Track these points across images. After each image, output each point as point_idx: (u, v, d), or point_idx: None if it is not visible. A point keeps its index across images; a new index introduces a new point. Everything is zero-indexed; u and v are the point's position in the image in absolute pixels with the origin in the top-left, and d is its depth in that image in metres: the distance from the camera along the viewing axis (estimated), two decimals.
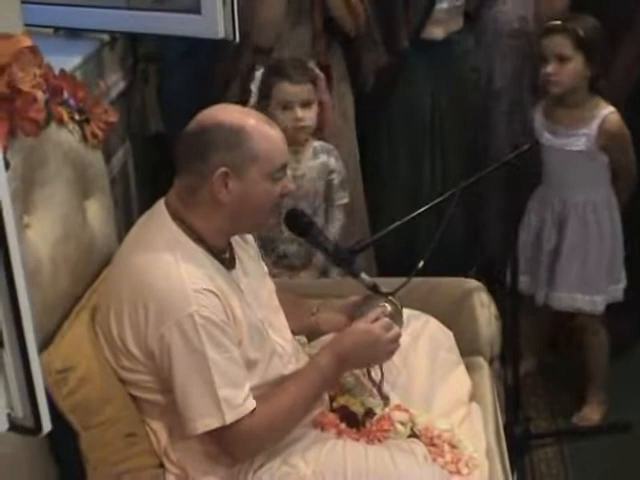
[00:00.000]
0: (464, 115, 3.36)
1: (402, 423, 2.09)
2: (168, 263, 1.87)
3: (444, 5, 3.20)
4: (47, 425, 1.31)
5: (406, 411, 2.12)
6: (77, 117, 2.16)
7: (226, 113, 1.96)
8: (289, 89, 2.72)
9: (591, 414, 3.09)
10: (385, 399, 2.14)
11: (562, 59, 2.82)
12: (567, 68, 2.83)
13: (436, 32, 3.23)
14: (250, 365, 1.93)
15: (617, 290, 3.00)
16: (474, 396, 2.32)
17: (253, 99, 2.80)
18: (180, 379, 1.84)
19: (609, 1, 2.95)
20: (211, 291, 1.86)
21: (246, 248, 2.12)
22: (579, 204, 2.94)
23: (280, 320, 2.12)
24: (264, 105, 2.72)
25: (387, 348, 2.04)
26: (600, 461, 2.90)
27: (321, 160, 2.86)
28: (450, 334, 2.38)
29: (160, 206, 1.98)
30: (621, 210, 2.98)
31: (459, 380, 2.30)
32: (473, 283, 2.56)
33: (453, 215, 2.35)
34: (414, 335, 2.29)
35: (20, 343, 1.29)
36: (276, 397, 1.93)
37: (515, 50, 3.34)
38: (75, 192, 2.13)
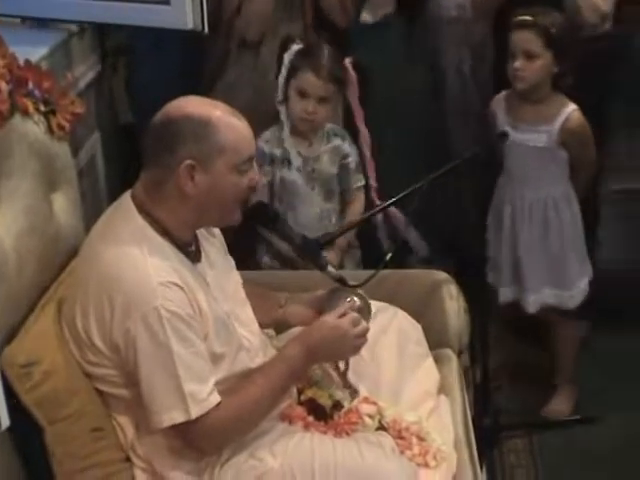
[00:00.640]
0: (409, 103, 3.34)
1: (370, 416, 2.09)
2: (134, 256, 1.86)
3: None
4: (5, 421, 1.30)
5: (374, 404, 2.13)
6: (43, 108, 2.14)
7: (193, 105, 1.94)
8: (312, 81, 2.70)
9: (560, 406, 3.11)
10: (353, 392, 2.14)
11: (530, 56, 2.79)
12: (535, 65, 2.80)
13: (367, 16, 3.20)
14: (216, 359, 1.92)
15: (585, 284, 3.01)
16: (442, 388, 2.33)
17: (284, 70, 2.76)
18: (145, 373, 1.83)
19: None
20: (177, 284, 1.85)
21: (212, 241, 2.11)
22: (540, 200, 2.94)
23: (247, 313, 2.11)
24: (287, 82, 2.72)
25: (354, 343, 2.04)
26: (568, 453, 2.92)
27: (334, 144, 2.86)
28: (418, 326, 2.38)
29: (126, 198, 1.97)
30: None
31: (427, 372, 2.30)
32: (442, 275, 2.55)
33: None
34: (382, 328, 2.28)
35: None
36: (243, 389, 1.93)
37: (454, 37, 3.30)
38: (41, 184, 2.11)
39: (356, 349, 2.06)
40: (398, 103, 3.27)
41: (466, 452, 2.17)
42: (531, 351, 3.34)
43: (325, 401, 2.11)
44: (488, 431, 2.68)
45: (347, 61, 2.83)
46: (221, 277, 2.05)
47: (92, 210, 2.79)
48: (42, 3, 2.76)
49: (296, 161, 2.80)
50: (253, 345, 2.06)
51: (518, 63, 2.81)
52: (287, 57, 2.76)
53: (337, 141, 2.86)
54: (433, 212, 3.00)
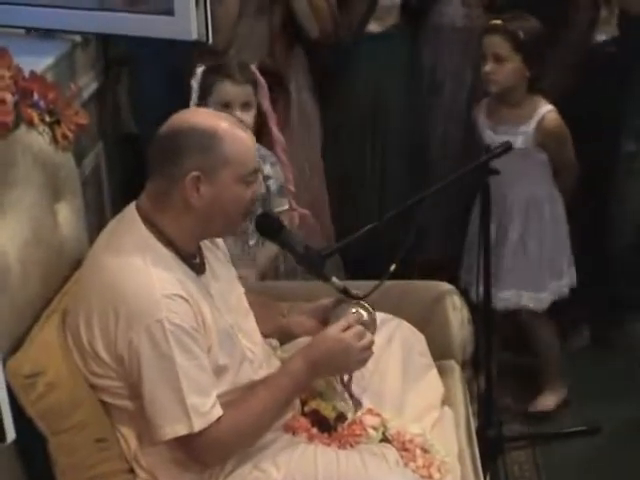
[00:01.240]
0: (407, 112, 3.36)
1: (374, 428, 2.08)
2: (138, 267, 1.86)
3: (387, 2, 3.20)
4: (11, 434, 1.30)
5: (378, 415, 2.12)
6: (47, 119, 2.14)
7: (199, 116, 1.96)
8: (230, 89, 2.66)
9: (545, 401, 3.13)
10: (357, 403, 2.13)
11: (499, 59, 2.86)
12: (504, 68, 2.86)
13: (373, 27, 3.25)
14: (220, 371, 1.92)
15: (561, 286, 3.02)
16: (446, 400, 2.32)
17: (194, 95, 2.71)
18: (148, 385, 1.82)
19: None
20: (181, 296, 1.85)
21: (215, 252, 2.11)
22: (521, 200, 2.96)
23: (250, 323, 2.11)
24: (203, 104, 2.65)
25: (359, 357, 2.03)
26: (572, 464, 2.91)
27: None
28: (422, 337, 2.38)
29: (131, 209, 1.97)
30: (566, 206, 3.01)
31: (431, 384, 2.30)
32: (445, 286, 2.55)
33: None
34: (386, 339, 2.28)
35: None
36: (246, 403, 1.92)
37: (458, 46, 3.35)
38: (45, 194, 2.11)
39: (361, 363, 2.05)
40: (403, 111, 3.30)
41: (470, 464, 2.17)
42: (517, 354, 3.33)
43: (329, 413, 2.10)
44: (492, 443, 2.67)
45: (253, 67, 2.76)
46: (224, 288, 2.05)
47: (95, 220, 2.80)
48: (46, 14, 2.77)
49: None
50: (257, 356, 2.06)
51: (488, 67, 2.88)
52: (194, 82, 2.71)
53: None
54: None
